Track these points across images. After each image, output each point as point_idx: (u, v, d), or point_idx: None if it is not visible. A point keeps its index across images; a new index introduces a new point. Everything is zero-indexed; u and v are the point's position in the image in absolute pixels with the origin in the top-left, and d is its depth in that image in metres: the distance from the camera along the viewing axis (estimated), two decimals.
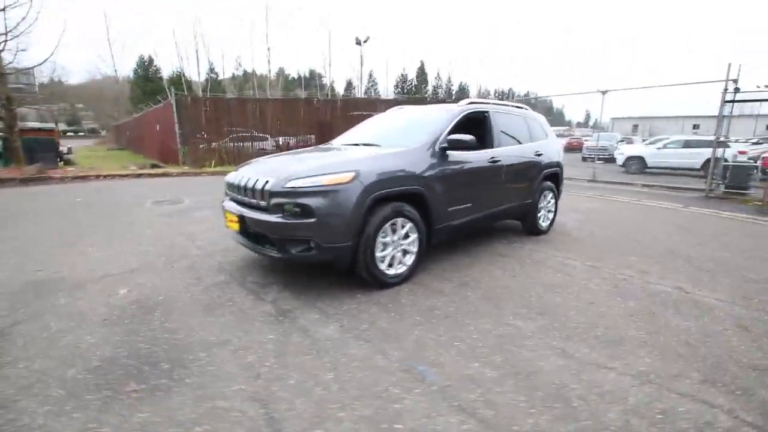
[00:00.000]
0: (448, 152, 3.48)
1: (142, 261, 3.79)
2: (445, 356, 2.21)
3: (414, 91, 49.51)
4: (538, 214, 4.78)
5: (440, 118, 3.71)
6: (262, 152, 16.67)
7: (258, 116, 14.72)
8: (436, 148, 3.41)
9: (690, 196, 9.32)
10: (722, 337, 2.50)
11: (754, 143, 17.07)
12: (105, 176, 11.21)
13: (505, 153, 4.12)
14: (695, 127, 22.94)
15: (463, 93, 49.30)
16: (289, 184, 2.79)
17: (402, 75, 52.64)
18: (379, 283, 3.07)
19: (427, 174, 3.27)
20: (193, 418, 1.70)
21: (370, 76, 50.04)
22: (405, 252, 3.23)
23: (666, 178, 12.64)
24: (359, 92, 45.05)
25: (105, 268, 3.58)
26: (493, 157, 3.94)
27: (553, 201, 5.02)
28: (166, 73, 34.82)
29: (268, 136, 17.81)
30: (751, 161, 10.91)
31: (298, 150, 4.15)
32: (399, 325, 2.57)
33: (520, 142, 4.47)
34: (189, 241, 4.52)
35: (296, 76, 52.96)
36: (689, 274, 3.61)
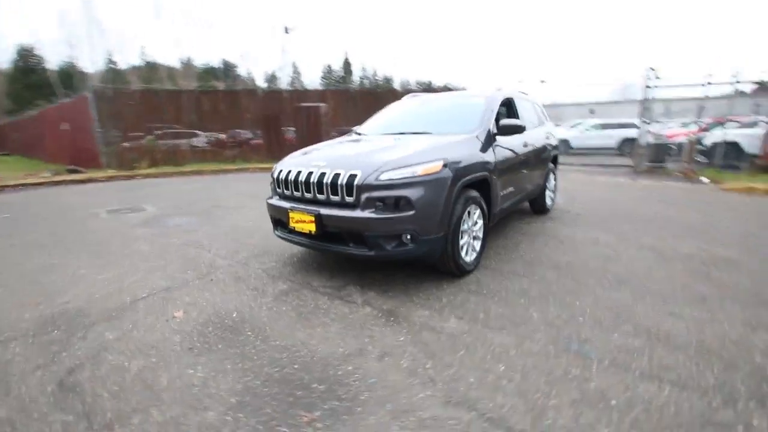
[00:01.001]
0: (498, 137, 3.53)
1: (168, 278, 3.26)
2: (583, 332, 2.27)
3: (341, 83, 48.88)
4: (546, 194, 5.09)
5: (483, 104, 3.74)
6: (196, 150, 15.28)
7: (194, 110, 13.35)
8: (490, 133, 3.44)
9: (623, 171, 10.64)
10: None
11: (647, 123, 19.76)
12: (13, 186, 9.34)
13: (532, 137, 4.30)
14: (591, 112, 26.05)
15: (388, 84, 49.91)
16: (385, 176, 2.60)
17: (327, 66, 51.60)
18: (461, 271, 3.03)
19: (490, 159, 3.29)
20: None
21: (294, 67, 48.19)
22: (474, 238, 3.22)
23: (590, 157, 14.22)
24: (283, 83, 43.18)
25: (128, 291, 3.01)
26: (525, 142, 4.09)
27: (554, 182, 5.38)
28: (53, 63, 29.73)
29: (199, 132, 16.38)
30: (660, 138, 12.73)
31: (335, 141, 3.86)
32: (512, 309, 2.57)
33: (535, 127, 4.70)
34: (203, 251, 3.99)
35: (210, 67, 48.95)
36: (696, 236, 4.14)
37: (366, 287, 2.95)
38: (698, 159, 11.72)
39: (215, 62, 48.59)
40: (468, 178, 2.95)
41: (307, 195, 2.89)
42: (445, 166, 2.74)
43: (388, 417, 1.64)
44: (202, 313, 2.63)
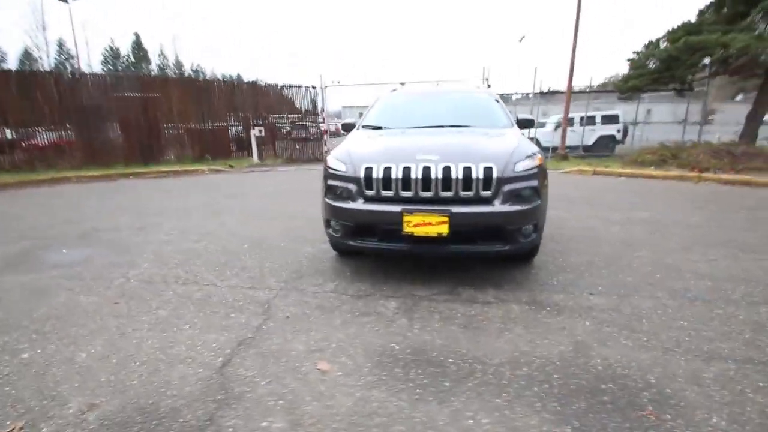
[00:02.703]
0: None
1: (217, 330, 2.30)
2: (674, 283, 2.82)
3: (133, 68, 40.67)
4: None
5: (491, 99, 3.99)
6: None
7: None
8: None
9: None
10: (693, 225, 4.25)
11: None
12: None
13: None
14: None
15: (197, 74, 44.37)
16: (519, 167, 2.55)
17: (111, 48, 41.76)
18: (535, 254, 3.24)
19: None
20: None
21: (61, 46, 36.94)
22: None
23: None
24: (45, 65, 32.91)
25: (185, 363, 2.00)
26: None
27: None
28: None
29: None
30: None
31: (362, 136, 3.39)
32: (607, 279, 2.93)
33: None
34: (205, 285, 2.92)
35: None
36: (605, 207, 5.50)
37: (473, 286, 2.81)
38: None
39: None
40: None
41: (425, 193, 2.54)
42: (542, 156, 2.88)
43: (695, 381, 1.74)
44: (353, 357, 2.01)
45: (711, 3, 9.28)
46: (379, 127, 3.70)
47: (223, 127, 12.91)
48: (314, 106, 13.67)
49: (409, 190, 2.56)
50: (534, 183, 2.62)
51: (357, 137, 3.40)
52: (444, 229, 2.48)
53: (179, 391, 1.78)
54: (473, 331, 2.24)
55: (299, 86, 13.32)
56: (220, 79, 12.46)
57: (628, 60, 11.13)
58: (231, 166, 11.78)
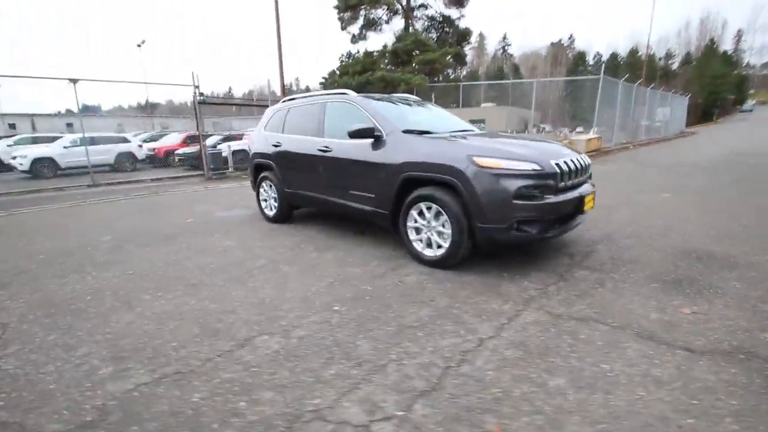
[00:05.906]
0: None
1: (618, 371, 2.08)
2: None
3: None
4: None
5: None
6: None
7: None
8: None
9: (203, 179, 11.33)
10: None
11: (149, 139, 18.39)
12: None
13: None
14: (12, 126, 19.84)
15: None
16: None
17: None
18: None
19: None
20: None
21: None
22: None
23: (115, 174, 12.73)
24: None
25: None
26: None
27: None
28: None
29: None
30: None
31: (446, 139, 3.22)
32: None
33: None
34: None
35: None
36: None
37: (561, 254, 3.74)
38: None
39: None
40: None
41: (574, 180, 3.22)
42: None
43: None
44: (672, 301, 2.60)
45: (388, 50, 13.26)
46: (428, 132, 3.61)
47: None
48: None
49: (575, 179, 3.20)
50: None
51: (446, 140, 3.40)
52: (593, 203, 3.35)
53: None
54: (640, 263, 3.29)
55: None
56: None
57: (320, 83, 13.57)
58: None
